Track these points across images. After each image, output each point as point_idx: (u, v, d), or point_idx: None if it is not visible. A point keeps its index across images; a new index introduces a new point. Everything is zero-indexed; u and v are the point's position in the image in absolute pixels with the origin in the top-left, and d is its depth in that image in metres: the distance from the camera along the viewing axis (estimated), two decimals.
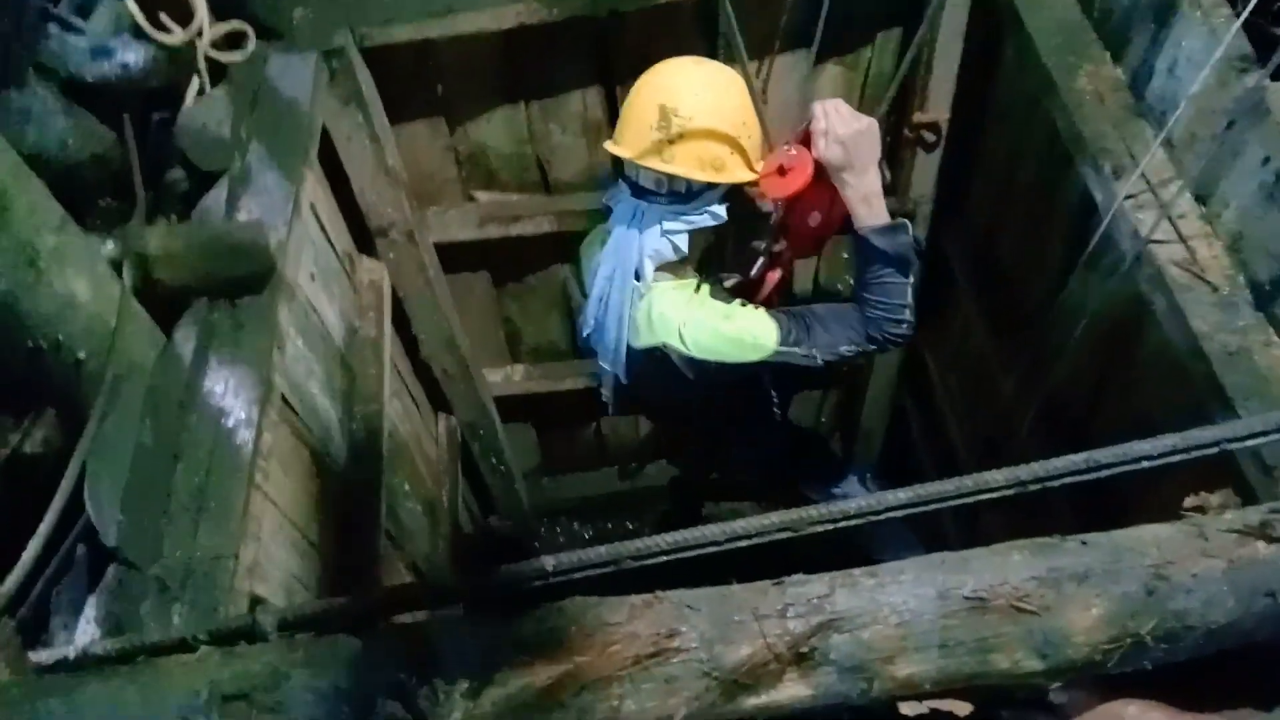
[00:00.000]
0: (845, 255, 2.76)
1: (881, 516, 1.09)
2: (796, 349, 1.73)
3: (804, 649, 1.02)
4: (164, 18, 1.75)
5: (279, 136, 1.82)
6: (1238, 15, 1.51)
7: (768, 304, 1.89)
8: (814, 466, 2.50)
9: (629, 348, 1.87)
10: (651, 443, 3.36)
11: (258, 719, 0.98)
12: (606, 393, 2.06)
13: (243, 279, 1.60)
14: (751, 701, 1.03)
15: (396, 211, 2.30)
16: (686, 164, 1.68)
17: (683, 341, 1.76)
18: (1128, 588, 1.04)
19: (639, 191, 1.76)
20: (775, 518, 1.09)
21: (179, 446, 1.43)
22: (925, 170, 2.46)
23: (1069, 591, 1.04)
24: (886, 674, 1.04)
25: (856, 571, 1.07)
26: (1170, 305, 1.59)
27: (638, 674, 1.01)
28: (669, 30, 2.21)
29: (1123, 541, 1.08)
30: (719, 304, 1.79)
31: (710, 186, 1.73)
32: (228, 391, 1.49)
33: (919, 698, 1.12)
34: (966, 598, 1.04)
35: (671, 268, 1.82)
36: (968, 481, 1.10)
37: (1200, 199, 1.69)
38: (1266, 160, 1.55)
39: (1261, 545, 1.07)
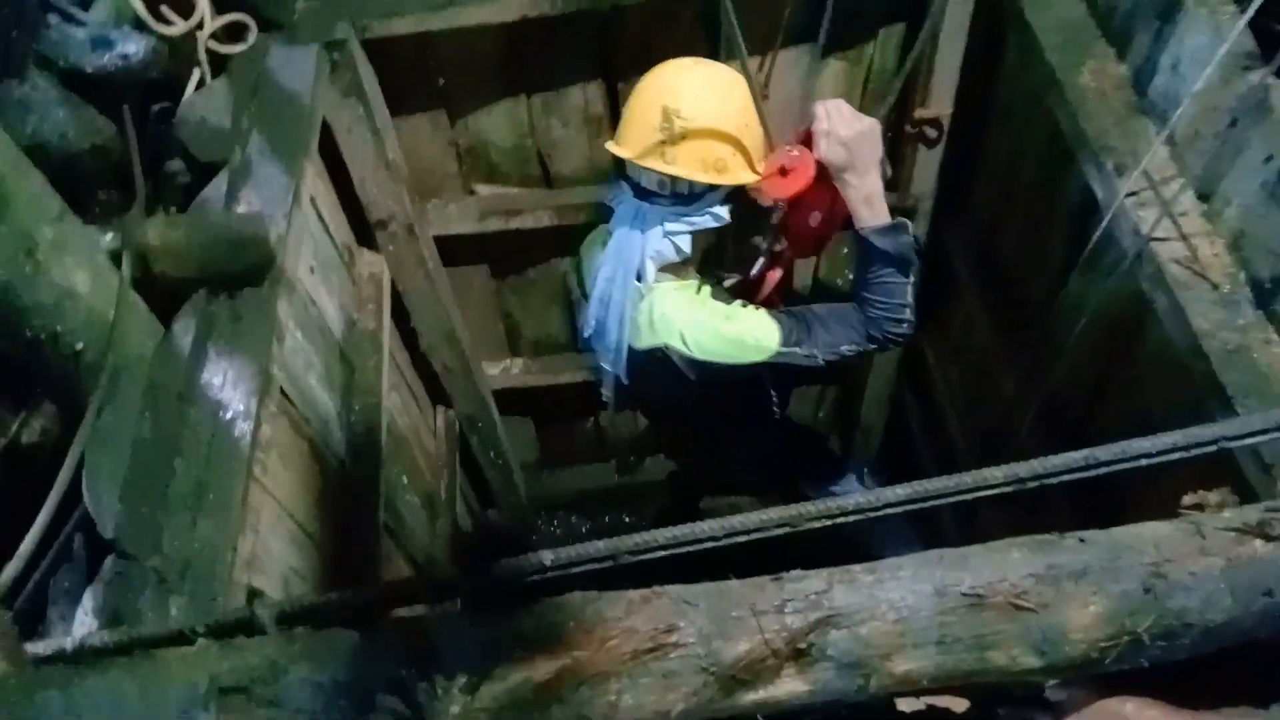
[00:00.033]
0: (845, 250, 2.76)
1: (880, 513, 1.09)
2: (798, 349, 1.73)
3: (802, 645, 1.02)
4: (165, 9, 1.75)
5: (279, 129, 1.81)
6: (1242, 12, 1.50)
7: (769, 304, 1.89)
8: (812, 466, 2.50)
9: (630, 349, 1.87)
10: (650, 437, 3.36)
11: (256, 712, 0.98)
12: (607, 393, 2.06)
13: (242, 271, 1.59)
14: (749, 697, 1.03)
15: (396, 204, 2.29)
16: (689, 165, 1.68)
17: (684, 343, 1.76)
18: (1126, 585, 1.04)
19: (641, 193, 1.75)
20: (774, 514, 1.09)
21: (177, 438, 1.42)
22: (927, 166, 2.45)
23: (1067, 589, 1.04)
24: (884, 670, 1.04)
25: (855, 568, 1.07)
26: (1171, 303, 1.59)
27: (636, 669, 1.01)
28: (670, 24, 2.21)
29: (1121, 539, 1.08)
30: (720, 305, 1.79)
31: (712, 188, 1.73)
32: (226, 384, 1.49)
33: (916, 694, 1.12)
34: (965, 594, 1.04)
35: (673, 269, 1.82)
36: (967, 478, 1.10)
37: (1202, 197, 1.68)
38: (1269, 158, 1.54)
39: (1260, 544, 1.07)
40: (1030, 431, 2.30)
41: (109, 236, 1.53)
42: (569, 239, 2.40)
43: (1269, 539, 1.07)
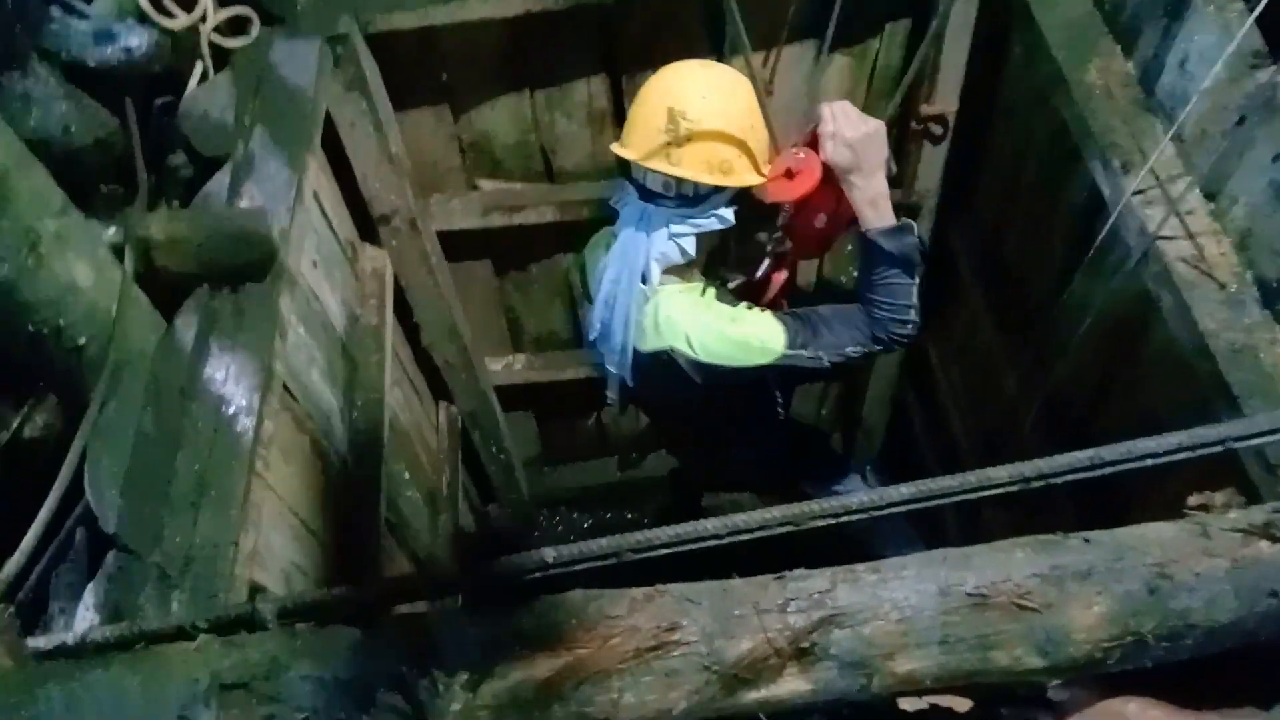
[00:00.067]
0: (849, 249, 2.75)
1: (883, 512, 1.09)
2: (803, 352, 1.73)
3: (805, 644, 1.02)
4: (167, 2, 1.75)
5: (282, 123, 1.81)
6: (1251, 10, 1.49)
7: (774, 305, 1.88)
8: (815, 465, 2.49)
9: (635, 351, 1.86)
10: (652, 434, 3.35)
11: (257, 709, 0.98)
12: (613, 395, 2.05)
13: (244, 266, 1.59)
14: (751, 696, 1.03)
15: (399, 199, 2.29)
16: (694, 167, 1.67)
17: (690, 346, 1.75)
18: (1130, 586, 1.04)
19: (646, 194, 1.75)
20: (777, 512, 1.08)
21: (179, 433, 1.42)
22: (932, 163, 2.44)
23: (1071, 589, 1.04)
24: (887, 670, 1.03)
25: (859, 567, 1.07)
26: (1177, 302, 1.58)
27: (638, 667, 1.00)
28: (674, 19, 2.20)
29: (1125, 540, 1.08)
30: (725, 307, 1.79)
31: (718, 190, 1.72)
32: (229, 379, 1.49)
33: (919, 694, 1.12)
34: (968, 594, 1.03)
35: (678, 271, 1.81)
36: (970, 477, 1.09)
37: (1209, 195, 1.67)
38: (1277, 157, 1.53)
39: (1265, 545, 1.07)
40: (1033, 431, 2.30)
41: (111, 230, 1.53)
42: (572, 234, 2.39)
43: (1274, 540, 1.06)
